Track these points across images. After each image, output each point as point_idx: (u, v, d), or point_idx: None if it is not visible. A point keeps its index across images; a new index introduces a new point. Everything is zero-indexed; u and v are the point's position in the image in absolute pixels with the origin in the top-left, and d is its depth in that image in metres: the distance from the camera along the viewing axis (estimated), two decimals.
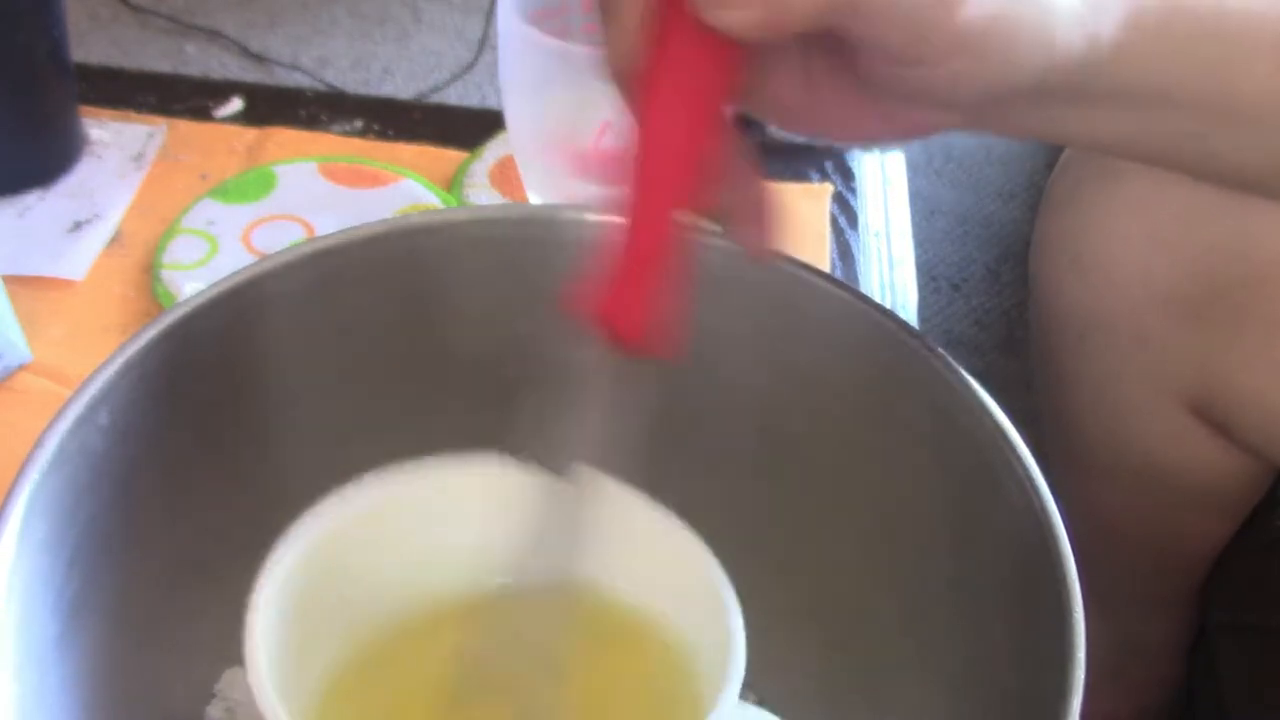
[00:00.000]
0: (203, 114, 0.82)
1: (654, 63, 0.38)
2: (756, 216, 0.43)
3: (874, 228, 0.78)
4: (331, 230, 0.51)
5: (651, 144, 0.39)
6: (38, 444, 0.43)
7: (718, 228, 0.43)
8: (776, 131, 0.48)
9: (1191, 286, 0.71)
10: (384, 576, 0.46)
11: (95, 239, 0.74)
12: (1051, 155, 0.82)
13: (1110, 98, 0.42)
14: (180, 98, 0.84)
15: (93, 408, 0.44)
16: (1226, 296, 0.70)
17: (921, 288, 0.79)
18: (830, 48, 0.40)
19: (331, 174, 0.77)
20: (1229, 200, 0.68)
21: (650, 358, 0.41)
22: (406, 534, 0.46)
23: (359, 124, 0.82)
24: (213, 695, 0.52)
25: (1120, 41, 0.40)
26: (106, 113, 0.81)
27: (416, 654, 0.47)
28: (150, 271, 0.72)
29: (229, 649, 0.51)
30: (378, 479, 0.45)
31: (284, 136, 0.81)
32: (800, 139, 0.77)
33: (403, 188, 0.76)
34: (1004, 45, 0.38)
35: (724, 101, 0.39)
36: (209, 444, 0.50)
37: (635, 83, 0.39)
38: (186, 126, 0.81)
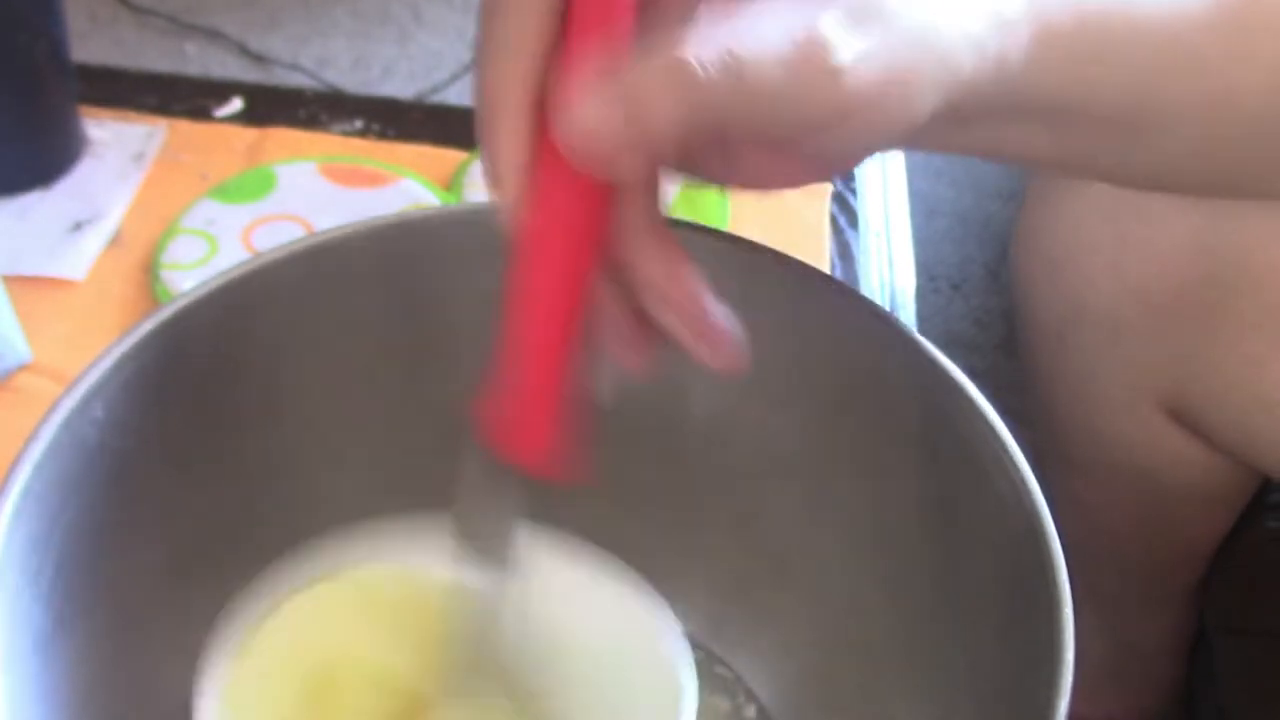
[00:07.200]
0: (203, 114, 0.82)
1: (535, 204, 0.38)
2: (705, 328, 0.40)
3: (874, 228, 0.78)
4: None
5: (536, 283, 0.39)
6: (32, 436, 0.43)
7: (679, 338, 0.40)
8: None
9: (1160, 285, 0.71)
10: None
11: (95, 239, 0.74)
12: None
13: (1023, 114, 0.41)
14: (180, 98, 0.84)
15: (87, 401, 0.44)
16: (1195, 295, 0.70)
17: (921, 288, 0.79)
18: None
19: (331, 174, 0.77)
20: (1196, 200, 0.68)
21: (552, 479, 0.40)
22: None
23: (359, 124, 0.83)
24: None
25: (1031, 58, 0.39)
26: (106, 113, 0.81)
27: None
28: (150, 271, 0.72)
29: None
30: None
31: (284, 136, 0.81)
32: None
33: (403, 188, 0.77)
34: (900, 95, 0.36)
35: (606, 231, 0.39)
36: (203, 438, 0.50)
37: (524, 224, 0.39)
38: (186, 126, 0.81)
